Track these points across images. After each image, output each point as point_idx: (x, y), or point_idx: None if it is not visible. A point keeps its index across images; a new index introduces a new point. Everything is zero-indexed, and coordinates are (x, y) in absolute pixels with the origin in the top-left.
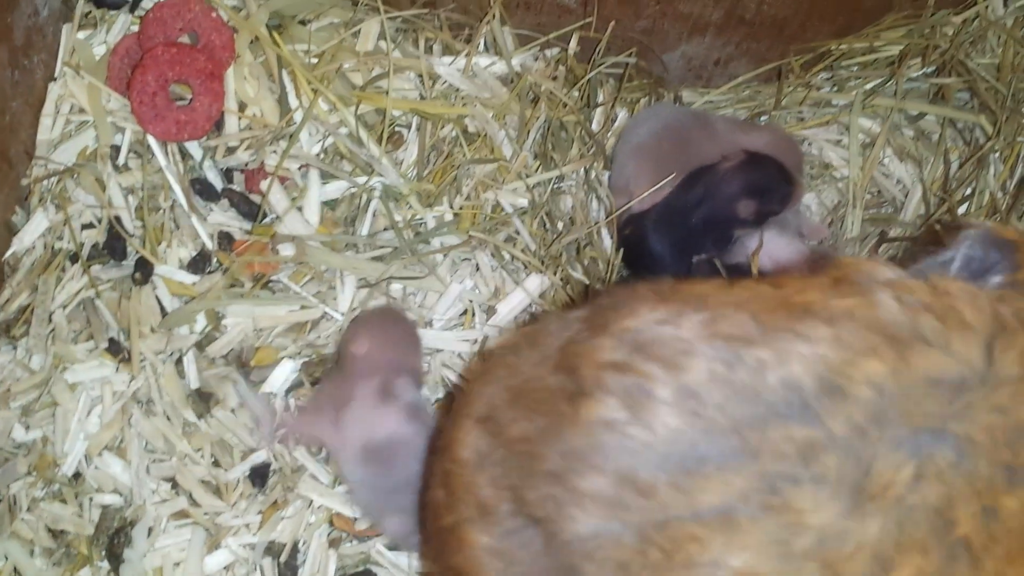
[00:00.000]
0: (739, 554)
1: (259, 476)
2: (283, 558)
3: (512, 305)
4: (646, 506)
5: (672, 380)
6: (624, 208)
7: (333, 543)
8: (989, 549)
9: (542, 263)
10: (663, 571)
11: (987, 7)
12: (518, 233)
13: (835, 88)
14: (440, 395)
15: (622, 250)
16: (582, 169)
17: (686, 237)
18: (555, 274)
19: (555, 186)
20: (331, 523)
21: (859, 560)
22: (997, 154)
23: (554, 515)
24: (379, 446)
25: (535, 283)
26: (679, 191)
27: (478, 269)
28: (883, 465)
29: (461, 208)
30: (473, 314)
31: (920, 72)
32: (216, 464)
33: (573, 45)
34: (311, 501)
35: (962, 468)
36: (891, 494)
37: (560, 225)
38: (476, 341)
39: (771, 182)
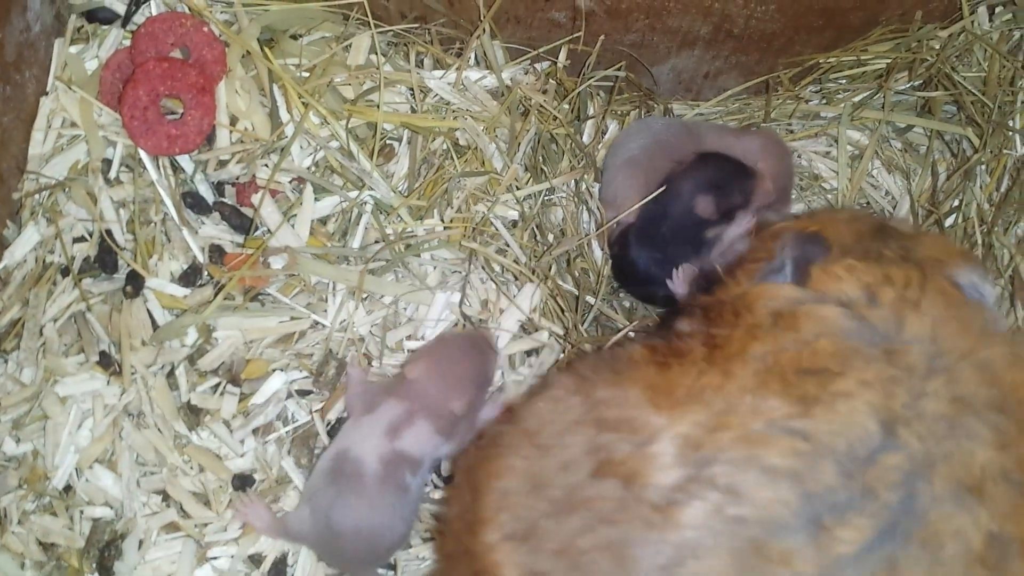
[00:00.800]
0: None
1: (243, 484)
2: (273, 570)
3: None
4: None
5: (755, 465)
6: (613, 221)
7: None
8: None
9: (532, 273)
10: None
11: (973, 21)
12: (508, 246)
13: (823, 101)
14: None
15: (611, 264)
16: (573, 181)
17: (664, 248)
18: (544, 283)
19: (546, 198)
20: None
21: None
22: (983, 166)
23: None
24: (349, 470)
25: (527, 293)
26: (652, 204)
27: (468, 282)
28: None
29: (452, 221)
30: (464, 326)
31: (907, 85)
32: (202, 470)
33: (562, 59)
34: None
35: None
36: None
37: (551, 237)
38: None
39: (723, 176)
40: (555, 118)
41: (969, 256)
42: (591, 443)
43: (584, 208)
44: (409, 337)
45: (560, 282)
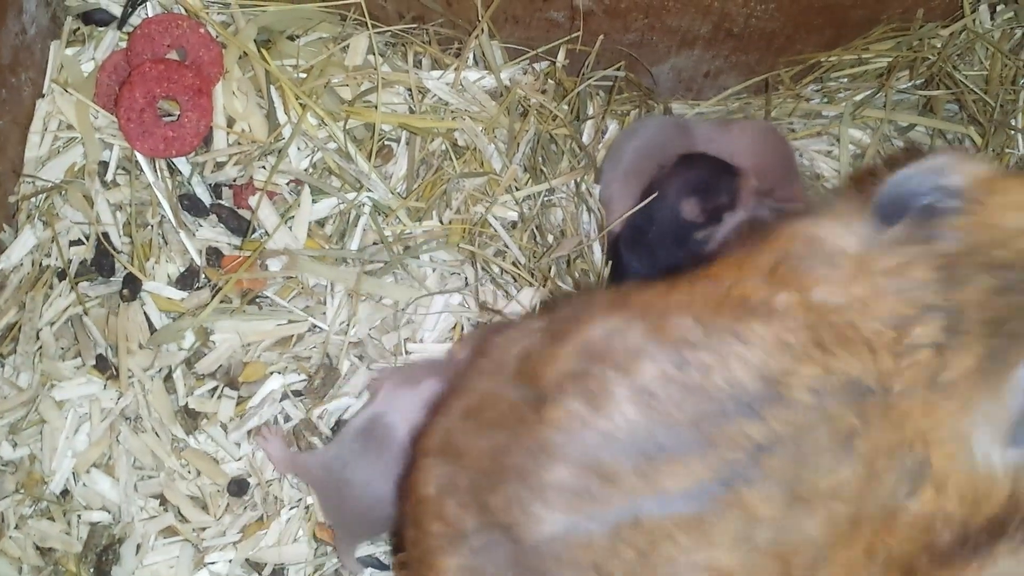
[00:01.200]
0: (709, 551)
1: (239, 488)
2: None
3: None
4: (613, 495)
5: (628, 380)
6: (613, 224)
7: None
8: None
9: (531, 275)
10: (639, 570)
11: (974, 20)
12: (507, 247)
13: (825, 99)
14: None
15: (610, 265)
16: (572, 182)
17: (654, 251)
18: (544, 286)
19: (545, 199)
20: (314, 536)
21: (803, 554)
22: None
23: (519, 517)
24: (379, 433)
25: (527, 297)
26: (640, 209)
27: (467, 284)
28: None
29: (451, 222)
30: (463, 328)
31: (909, 84)
32: (200, 474)
33: (561, 58)
34: (291, 518)
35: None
36: (822, 495)
37: (550, 238)
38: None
39: (706, 177)
40: (554, 118)
41: None
42: (525, 348)
43: (584, 208)
44: (408, 339)
45: (560, 283)
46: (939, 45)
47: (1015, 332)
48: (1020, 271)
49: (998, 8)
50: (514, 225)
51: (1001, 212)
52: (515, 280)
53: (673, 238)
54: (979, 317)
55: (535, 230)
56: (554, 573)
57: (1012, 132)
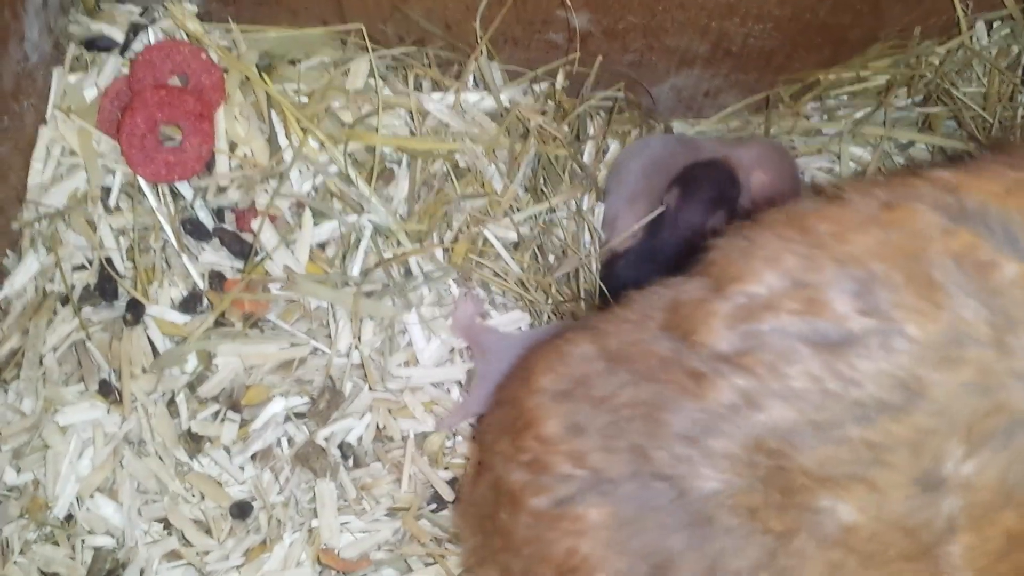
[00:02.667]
0: (843, 506)
1: (242, 511)
2: None
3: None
4: (773, 464)
5: (778, 384)
6: (612, 243)
7: None
8: None
9: (531, 295)
10: (784, 510)
11: (971, 37)
12: (507, 267)
13: (824, 117)
14: (429, 428)
15: (602, 284)
16: (573, 201)
17: (663, 270)
18: (546, 302)
19: (546, 219)
20: (318, 560)
21: (932, 529)
22: None
23: (687, 473)
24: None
25: (514, 317)
26: (648, 236)
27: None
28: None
29: (453, 243)
30: (460, 353)
31: (907, 101)
32: (203, 497)
33: (560, 80)
34: (294, 542)
35: None
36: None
37: (552, 258)
38: (461, 382)
39: (721, 186)
40: (555, 139)
41: None
42: (672, 297)
43: (586, 228)
44: (407, 363)
45: (561, 300)
46: (936, 62)
47: None
48: None
49: (995, 25)
50: (515, 246)
51: None
52: (517, 301)
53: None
54: None
55: (536, 250)
56: (716, 515)
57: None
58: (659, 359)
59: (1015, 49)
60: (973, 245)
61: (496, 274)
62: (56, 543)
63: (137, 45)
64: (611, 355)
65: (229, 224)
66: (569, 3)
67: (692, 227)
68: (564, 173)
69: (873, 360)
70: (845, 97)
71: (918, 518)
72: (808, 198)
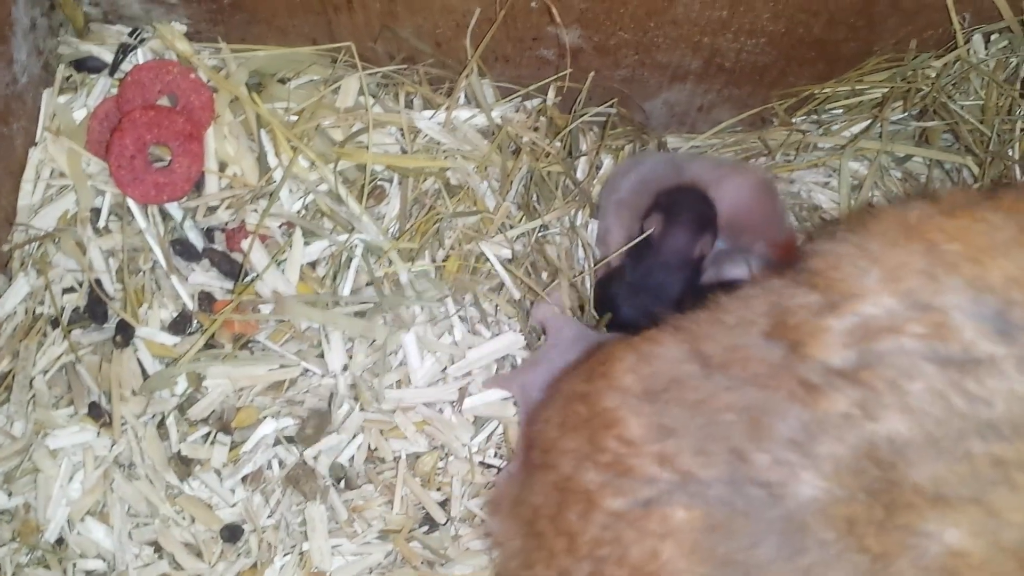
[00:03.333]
0: (952, 531)
1: (232, 534)
2: None
3: (482, 354)
4: (882, 476)
5: (897, 398)
6: (605, 261)
7: None
8: None
9: (526, 314)
10: (884, 530)
11: (968, 50)
12: (502, 286)
13: (820, 131)
14: (422, 449)
15: (594, 301)
16: (567, 218)
17: (653, 303)
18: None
19: (540, 235)
20: None
21: None
22: None
23: (787, 478)
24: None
25: (508, 340)
26: (634, 262)
27: (452, 327)
28: None
29: (445, 260)
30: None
31: (903, 115)
32: (194, 520)
33: (551, 96)
34: (285, 565)
35: None
36: None
37: (544, 276)
38: (454, 402)
39: (705, 212)
40: (547, 155)
41: None
42: (775, 303)
43: (579, 244)
44: (399, 382)
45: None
46: (933, 75)
47: None
48: None
49: (992, 37)
50: (509, 263)
51: None
52: (509, 319)
53: (681, 277)
54: None
55: (530, 267)
56: (811, 524)
57: (1009, 163)
58: (768, 365)
59: (1013, 61)
60: None
61: (492, 289)
62: (48, 567)
63: (126, 65)
64: (706, 358)
65: (219, 244)
66: (559, 20)
67: (679, 254)
68: (557, 189)
69: (1007, 380)
70: (840, 111)
71: None
72: (916, 204)
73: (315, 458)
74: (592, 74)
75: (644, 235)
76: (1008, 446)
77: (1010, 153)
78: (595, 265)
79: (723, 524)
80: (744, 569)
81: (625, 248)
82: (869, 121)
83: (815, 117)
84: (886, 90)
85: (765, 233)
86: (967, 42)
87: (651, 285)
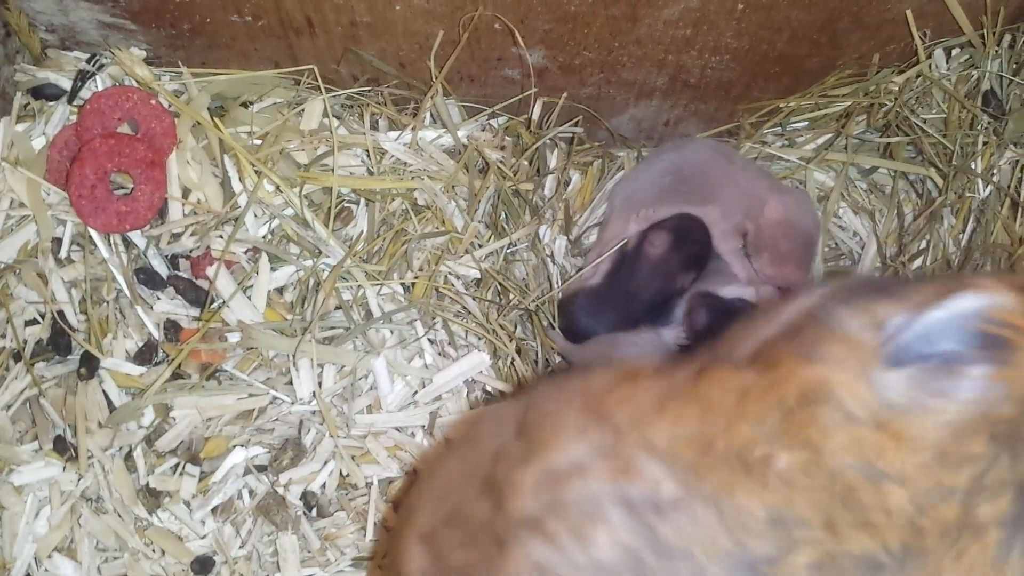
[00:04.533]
0: None
1: (203, 566)
2: None
3: (450, 377)
4: None
5: (582, 552)
6: (596, 262)
7: None
8: None
9: (495, 334)
10: None
11: (930, 65)
12: (466, 309)
13: (786, 144)
14: (394, 474)
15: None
16: (535, 236)
17: (625, 319)
18: (510, 341)
19: (508, 253)
20: None
21: None
22: (948, 208)
23: None
24: None
25: (474, 361)
26: (611, 277)
27: (422, 350)
28: None
29: (414, 281)
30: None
31: (866, 129)
32: (164, 553)
33: (519, 115)
34: None
35: None
36: None
37: (512, 296)
38: (424, 427)
39: (701, 250)
40: (515, 173)
41: None
42: (499, 448)
43: (550, 261)
44: (370, 407)
45: (522, 336)
46: (895, 90)
47: None
48: None
49: (953, 52)
50: (477, 283)
51: None
52: (479, 339)
53: (650, 298)
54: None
55: (499, 286)
56: None
57: (973, 176)
58: (478, 524)
59: (974, 75)
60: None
61: (458, 313)
62: None
63: (85, 92)
64: (447, 515)
65: (184, 271)
66: (522, 42)
67: (663, 277)
68: (525, 208)
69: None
70: (806, 123)
71: None
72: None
73: (286, 486)
74: (564, 95)
75: (616, 246)
76: None
77: (972, 167)
78: (566, 280)
79: None
80: None
81: (603, 256)
82: (832, 134)
83: (779, 130)
84: (849, 104)
85: (792, 262)
86: (929, 57)
87: (619, 297)
